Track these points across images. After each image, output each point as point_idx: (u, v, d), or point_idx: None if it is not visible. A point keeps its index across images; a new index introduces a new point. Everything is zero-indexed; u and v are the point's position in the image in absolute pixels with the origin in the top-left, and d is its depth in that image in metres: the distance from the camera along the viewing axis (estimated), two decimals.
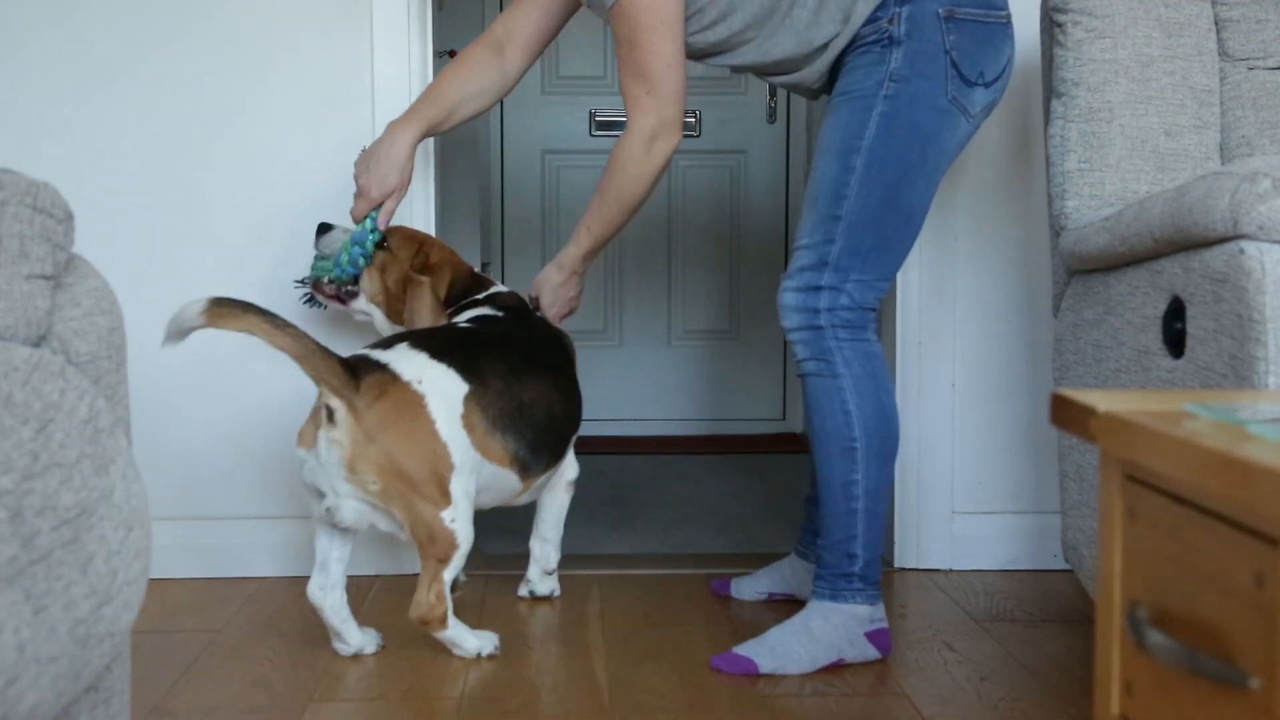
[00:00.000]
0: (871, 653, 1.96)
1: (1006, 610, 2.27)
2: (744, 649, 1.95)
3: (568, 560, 2.60)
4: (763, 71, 2.09)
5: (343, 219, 2.51)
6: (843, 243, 1.92)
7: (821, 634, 1.94)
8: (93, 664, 1.08)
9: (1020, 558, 2.56)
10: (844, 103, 1.96)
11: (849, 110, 1.94)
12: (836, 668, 1.94)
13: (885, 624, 1.99)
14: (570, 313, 2.28)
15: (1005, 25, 1.98)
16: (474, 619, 2.20)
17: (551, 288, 2.23)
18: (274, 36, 2.45)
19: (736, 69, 2.09)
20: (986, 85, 1.96)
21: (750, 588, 2.32)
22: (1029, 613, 2.26)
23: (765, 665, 1.92)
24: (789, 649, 1.93)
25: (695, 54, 2.07)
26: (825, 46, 1.99)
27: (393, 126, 2.20)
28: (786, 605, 2.23)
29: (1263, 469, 0.66)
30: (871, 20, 1.94)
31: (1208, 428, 0.78)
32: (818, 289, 1.93)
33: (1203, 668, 0.74)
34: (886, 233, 1.94)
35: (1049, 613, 2.26)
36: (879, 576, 1.98)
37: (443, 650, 2.04)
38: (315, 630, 2.14)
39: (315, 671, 1.94)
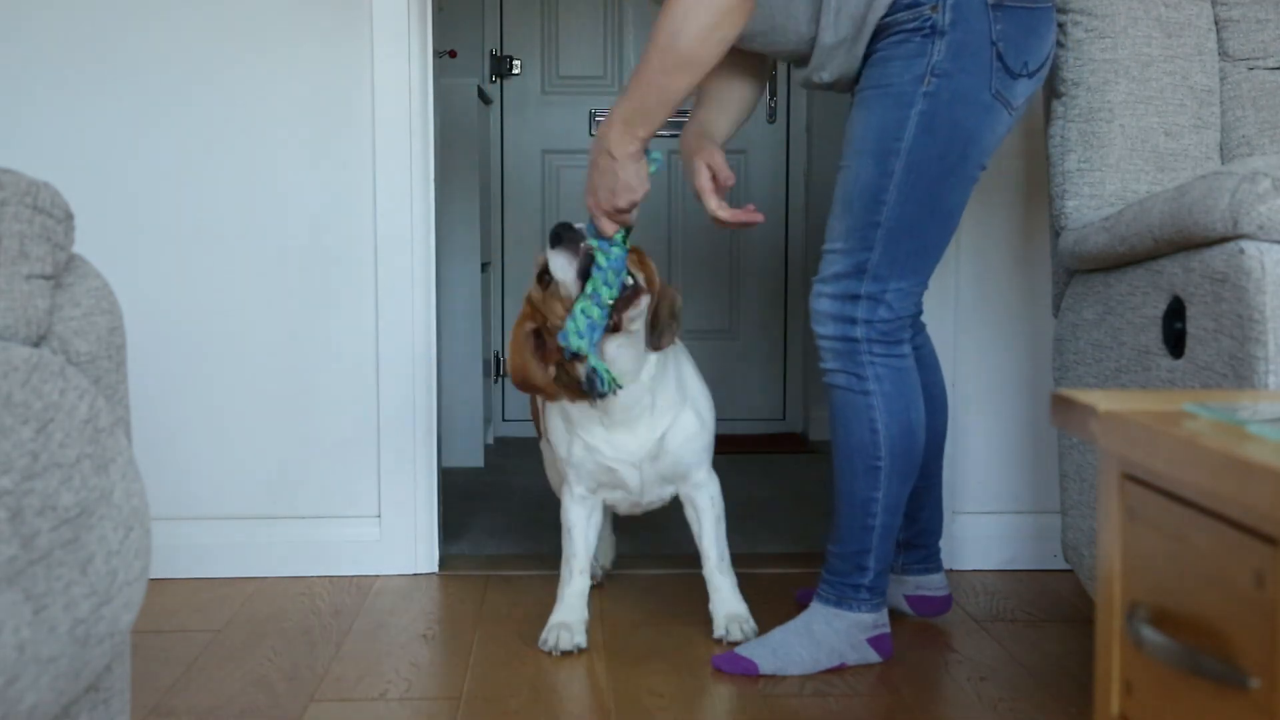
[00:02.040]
0: (873, 657, 1.95)
1: (1006, 610, 2.27)
2: (745, 649, 1.94)
3: None
4: (801, 57, 1.92)
5: (338, 222, 2.51)
6: (881, 250, 1.84)
7: (823, 637, 1.93)
8: (93, 664, 1.08)
9: (1020, 558, 2.55)
10: (878, 97, 1.83)
11: (884, 107, 1.82)
12: (837, 669, 1.94)
13: (887, 629, 1.98)
14: (630, 206, 1.85)
15: (1049, 10, 1.86)
16: (471, 620, 2.20)
17: (591, 169, 1.87)
18: (274, 36, 2.45)
19: (784, 54, 1.93)
20: (1030, 76, 1.85)
21: None
22: (1029, 613, 2.25)
23: (766, 666, 1.92)
24: (790, 650, 1.92)
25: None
26: (857, 33, 1.84)
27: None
28: (788, 607, 2.23)
29: (1263, 469, 0.66)
30: (911, 5, 1.79)
31: (1208, 428, 0.78)
32: (855, 298, 1.86)
33: (1203, 668, 0.74)
34: (925, 236, 1.87)
35: (1049, 613, 2.26)
36: (886, 585, 1.97)
37: (443, 650, 2.04)
38: (315, 630, 2.14)
39: (315, 671, 1.94)
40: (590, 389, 1.90)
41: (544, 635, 2.03)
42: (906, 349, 1.91)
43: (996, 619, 2.22)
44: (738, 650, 1.94)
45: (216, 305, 2.47)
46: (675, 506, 2.95)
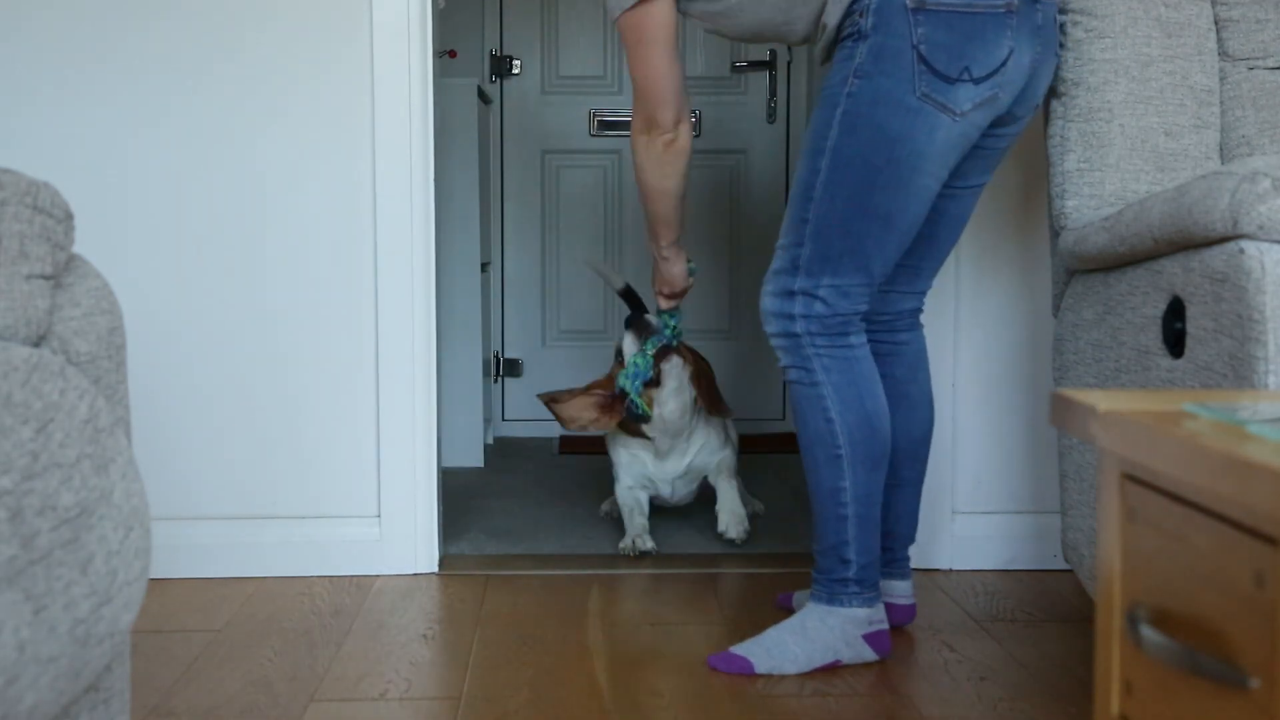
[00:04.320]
0: (869, 654, 1.95)
1: (1006, 610, 2.27)
2: (740, 648, 1.95)
3: (568, 560, 2.60)
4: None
5: (338, 222, 2.52)
6: (811, 247, 1.87)
7: (817, 635, 1.93)
8: (93, 664, 1.08)
9: (1020, 558, 2.56)
10: (819, 100, 1.90)
11: (820, 109, 1.89)
12: (835, 668, 1.94)
13: (884, 626, 1.98)
14: (674, 293, 2.52)
15: (1002, 16, 1.80)
16: (471, 620, 2.21)
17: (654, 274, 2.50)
18: (274, 36, 2.45)
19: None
20: (976, 81, 1.80)
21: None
22: (1029, 613, 2.26)
23: (761, 665, 1.92)
24: (785, 648, 1.93)
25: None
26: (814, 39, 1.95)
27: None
28: (789, 608, 2.23)
29: (1263, 469, 0.66)
30: (848, 14, 1.85)
31: (1208, 428, 0.78)
32: (791, 294, 1.90)
33: (1203, 668, 0.74)
34: (858, 237, 1.87)
35: (1049, 613, 2.26)
36: (877, 579, 1.97)
37: (443, 650, 2.04)
38: (315, 630, 2.14)
39: (315, 671, 1.94)
40: (630, 414, 2.68)
41: (622, 544, 2.66)
42: (855, 340, 1.93)
43: (996, 619, 2.22)
44: (733, 649, 1.95)
45: (216, 305, 2.47)
46: (675, 513, 2.95)
